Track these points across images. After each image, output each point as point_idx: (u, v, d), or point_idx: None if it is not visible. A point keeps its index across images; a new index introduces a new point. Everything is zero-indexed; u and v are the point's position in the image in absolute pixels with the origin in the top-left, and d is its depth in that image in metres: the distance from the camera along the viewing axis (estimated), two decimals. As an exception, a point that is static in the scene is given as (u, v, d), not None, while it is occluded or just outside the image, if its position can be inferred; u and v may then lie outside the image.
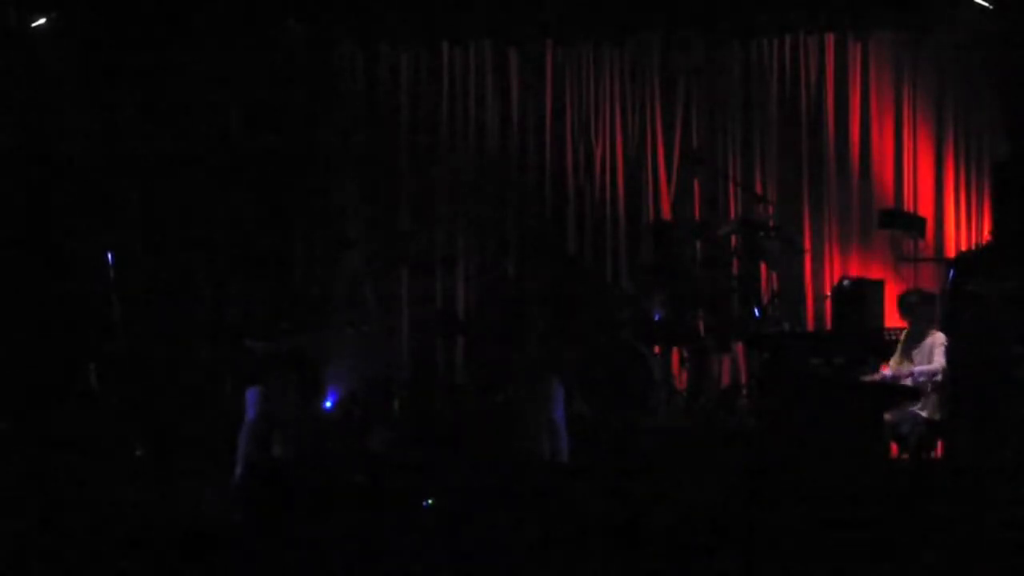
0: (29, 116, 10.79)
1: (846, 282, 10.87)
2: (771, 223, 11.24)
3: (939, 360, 8.98)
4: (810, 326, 11.60)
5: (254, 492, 7.91)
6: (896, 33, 11.70)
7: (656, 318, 10.74)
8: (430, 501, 7.62)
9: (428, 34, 11.71)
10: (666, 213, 11.85)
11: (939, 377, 9.02)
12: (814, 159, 11.88)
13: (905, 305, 9.46)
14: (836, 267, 11.76)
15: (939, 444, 9.20)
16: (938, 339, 9.11)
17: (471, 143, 11.85)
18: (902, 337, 9.41)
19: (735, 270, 11.54)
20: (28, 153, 10.78)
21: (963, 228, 11.80)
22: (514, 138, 11.85)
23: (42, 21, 10.76)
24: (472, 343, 11.44)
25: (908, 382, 9.08)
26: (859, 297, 10.62)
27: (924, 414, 8.96)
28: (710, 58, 11.84)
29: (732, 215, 11.72)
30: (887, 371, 9.39)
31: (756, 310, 10.93)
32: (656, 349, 10.94)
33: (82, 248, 10.64)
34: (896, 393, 8.95)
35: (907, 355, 9.22)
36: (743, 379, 11.40)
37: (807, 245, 11.73)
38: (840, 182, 11.86)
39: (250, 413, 8.63)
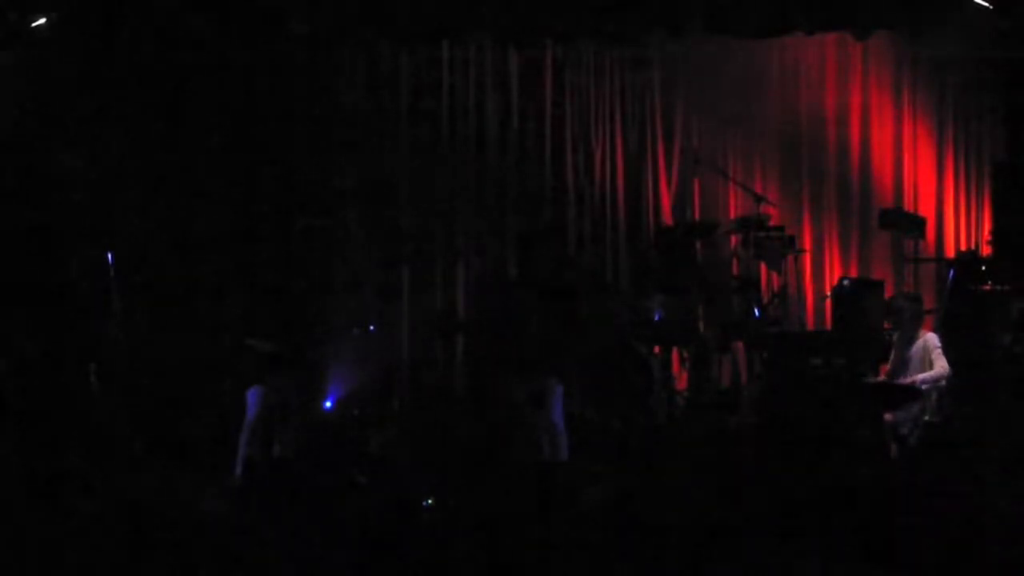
0: (29, 115, 10.79)
1: (846, 282, 10.87)
2: (771, 223, 11.25)
3: (940, 364, 8.97)
4: (810, 326, 11.61)
5: (254, 492, 7.91)
6: (896, 33, 11.70)
7: (656, 318, 10.74)
8: (430, 501, 7.62)
9: (428, 34, 11.70)
10: (666, 213, 11.85)
11: (943, 383, 9.01)
12: (814, 159, 11.89)
13: (893, 310, 9.45)
14: (836, 267, 11.77)
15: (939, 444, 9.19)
16: (931, 341, 9.10)
17: (471, 143, 11.83)
18: (894, 341, 9.40)
19: (735, 270, 11.55)
20: (28, 152, 10.78)
21: (963, 228, 11.81)
22: (514, 138, 11.84)
23: (42, 21, 10.76)
24: (472, 343, 11.44)
25: None
26: (859, 297, 10.62)
27: (926, 417, 8.95)
28: (710, 58, 11.83)
29: (732, 215, 11.72)
30: (886, 378, 9.35)
31: (756, 310, 10.94)
32: (656, 349, 10.94)
33: (83, 248, 10.64)
34: (896, 393, 8.94)
35: (902, 359, 9.21)
36: (743, 379, 11.40)
37: (807, 245, 11.73)
38: (840, 182, 11.87)
39: (250, 413, 8.63)
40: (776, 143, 11.92)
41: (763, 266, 11.48)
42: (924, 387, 8.92)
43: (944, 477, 8.09)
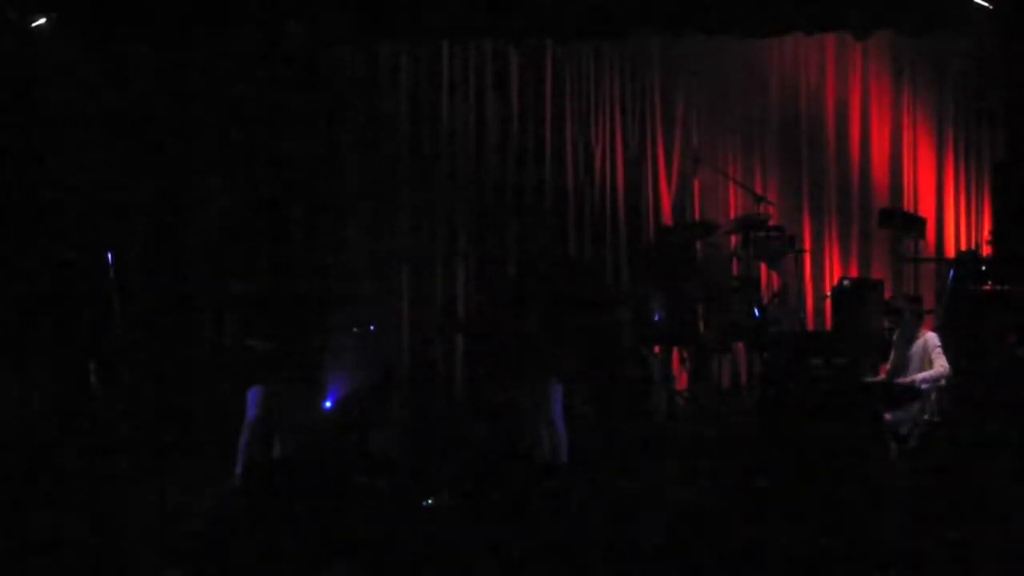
0: (29, 114, 10.80)
1: (846, 282, 10.88)
2: (771, 223, 11.25)
3: (940, 362, 8.97)
4: (810, 326, 11.60)
5: (254, 492, 7.91)
6: (896, 33, 11.70)
7: (656, 318, 10.74)
8: (430, 501, 7.62)
9: (428, 34, 11.70)
10: (666, 213, 11.85)
11: (943, 382, 9.01)
12: (814, 159, 11.89)
13: (893, 310, 9.46)
14: (836, 267, 11.77)
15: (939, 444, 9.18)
16: (931, 340, 9.09)
17: (471, 143, 11.83)
18: (894, 340, 9.39)
19: (735, 270, 11.55)
20: (28, 152, 10.79)
21: (963, 228, 11.81)
22: (514, 138, 11.84)
23: (42, 21, 10.76)
24: (472, 343, 11.44)
25: None
26: (859, 297, 10.62)
27: (925, 416, 8.95)
28: (710, 58, 11.83)
29: (732, 215, 11.72)
30: (886, 377, 9.34)
31: (756, 310, 10.94)
32: (656, 349, 10.95)
33: (83, 247, 10.64)
34: (896, 393, 8.94)
35: (902, 358, 9.21)
36: (743, 379, 11.39)
37: (807, 245, 11.73)
38: (840, 182, 11.87)
39: (250, 413, 8.63)
40: (776, 143, 11.92)
41: (763, 266, 11.48)
42: (924, 386, 8.91)
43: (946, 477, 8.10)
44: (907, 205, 11.75)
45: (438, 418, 10.52)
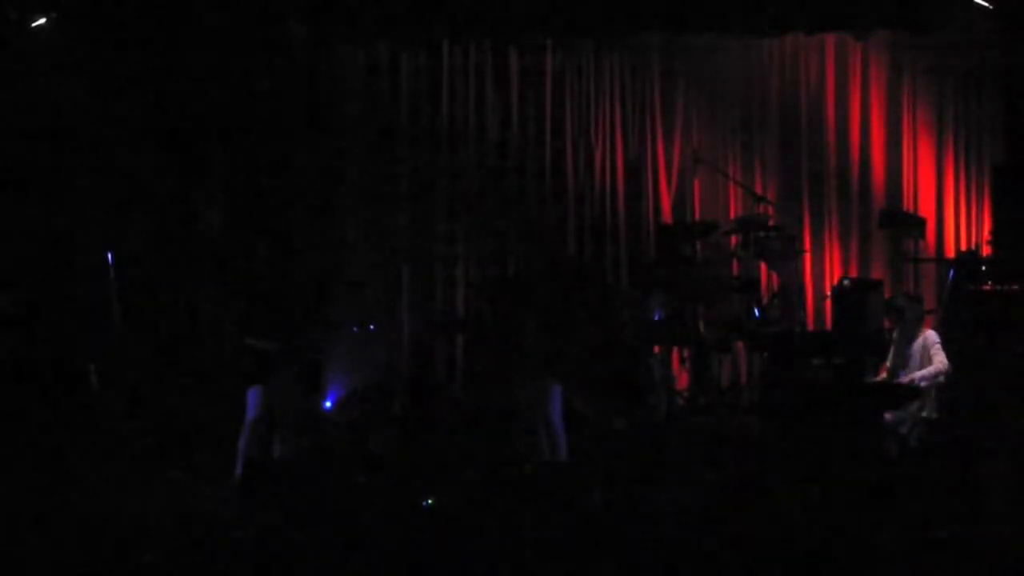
0: (30, 115, 10.80)
1: (846, 282, 10.88)
2: (771, 223, 11.25)
3: (939, 359, 8.97)
4: (810, 326, 11.61)
5: (254, 492, 7.91)
6: (896, 33, 11.71)
7: (656, 318, 10.74)
8: (430, 501, 7.62)
9: (428, 34, 11.70)
10: (666, 213, 11.85)
11: (942, 379, 9.01)
12: (814, 159, 11.89)
13: (892, 309, 9.47)
14: (836, 267, 11.77)
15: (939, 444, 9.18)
16: (931, 338, 9.10)
17: (471, 143, 11.83)
18: (894, 339, 9.40)
19: (735, 270, 11.55)
20: (28, 151, 10.79)
21: (963, 228, 11.81)
22: (514, 138, 11.84)
23: (42, 21, 10.77)
24: (472, 343, 11.44)
25: None
26: (859, 297, 10.62)
27: (924, 414, 8.96)
28: (710, 58, 11.84)
29: (732, 215, 11.72)
30: (886, 376, 9.33)
31: (756, 310, 10.94)
32: (656, 349, 10.94)
33: (83, 248, 10.64)
34: (896, 393, 8.94)
35: (901, 357, 9.21)
36: (743, 379, 11.40)
37: (807, 245, 11.74)
38: (840, 182, 11.87)
39: (250, 413, 8.63)
40: (776, 143, 11.92)
41: (763, 266, 11.49)
42: (923, 384, 8.91)
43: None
44: (907, 205, 11.76)
45: (438, 418, 10.52)
